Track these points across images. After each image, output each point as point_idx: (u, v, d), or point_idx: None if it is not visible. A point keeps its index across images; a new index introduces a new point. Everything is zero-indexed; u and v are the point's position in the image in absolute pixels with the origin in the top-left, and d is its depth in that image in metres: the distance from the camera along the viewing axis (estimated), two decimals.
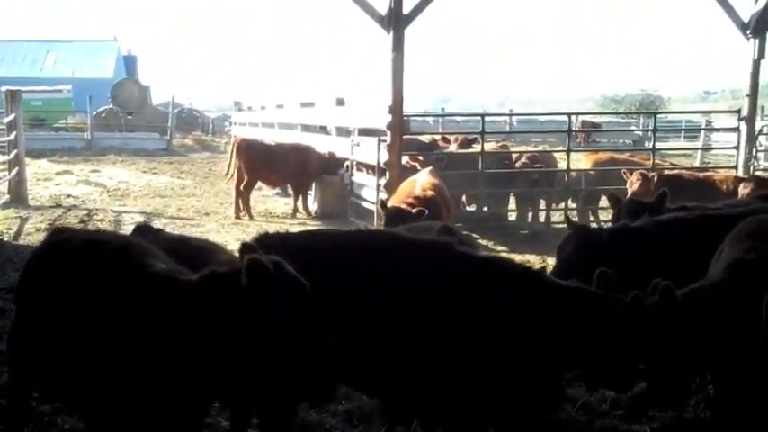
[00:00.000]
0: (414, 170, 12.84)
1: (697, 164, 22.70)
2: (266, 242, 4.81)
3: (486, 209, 15.84)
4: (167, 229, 13.88)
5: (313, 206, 17.14)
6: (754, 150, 15.98)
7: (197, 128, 45.18)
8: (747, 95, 15.68)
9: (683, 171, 14.90)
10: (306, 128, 20.58)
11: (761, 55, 15.10)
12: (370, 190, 14.69)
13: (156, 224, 14.85)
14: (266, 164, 16.98)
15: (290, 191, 18.02)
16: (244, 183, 16.72)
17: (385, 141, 13.71)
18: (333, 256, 4.79)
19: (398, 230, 6.40)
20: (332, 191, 16.78)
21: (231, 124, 31.79)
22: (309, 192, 17.51)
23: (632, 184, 12.36)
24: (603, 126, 31.83)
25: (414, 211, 8.93)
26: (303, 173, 16.95)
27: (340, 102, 19.20)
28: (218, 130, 43.44)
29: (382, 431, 5.23)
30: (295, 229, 9.79)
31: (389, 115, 13.27)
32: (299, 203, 17.15)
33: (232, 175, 17.19)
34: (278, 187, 19.60)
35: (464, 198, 15.55)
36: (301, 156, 17.16)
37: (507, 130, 27.36)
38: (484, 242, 13.09)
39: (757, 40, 14.97)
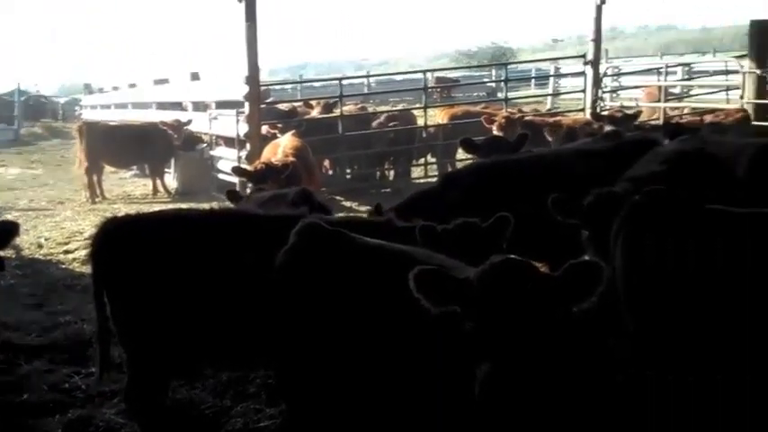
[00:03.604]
0: (274, 139, 12.78)
1: (548, 109, 23.53)
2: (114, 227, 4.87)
3: (348, 171, 15.98)
4: (19, 222, 13.46)
5: (173, 184, 16.77)
6: (599, 92, 16.65)
7: (46, 114, 43.13)
8: (592, 40, 16.31)
9: (535, 117, 15.37)
10: (161, 105, 20.06)
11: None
12: (231, 163, 14.51)
13: (8, 217, 14.27)
14: (108, 145, 16.49)
15: (148, 171, 17.57)
16: (87, 166, 16.28)
17: (243, 113, 13.55)
18: (183, 238, 4.80)
19: (254, 203, 6.47)
20: (191, 167, 16.47)
21: (82, 108, 30.58)
22: (168, 170, 17.10)
23: (500, 128, 12.57)
24: (456, 81, 32.42)
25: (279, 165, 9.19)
26: (153, 151, 16.52)
27: (195, 76, 18.84)
28: (68, 116, 41.54)
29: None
30: (155, 209, 9.61)
31: (246, 86, 13.10)
32: (158, 183, 16.77)
33: (80, 161, 16.64)
34: (129, 168, 19.07)
35: (327, 162, 15.61)
36: (148, 134, 16.71)
37: (366, 91, 27.43)
38: (348, 204, 13.21)
39: None
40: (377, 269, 3.76)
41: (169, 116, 17.94)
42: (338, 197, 13.69)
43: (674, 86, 21.27)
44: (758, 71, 13.94)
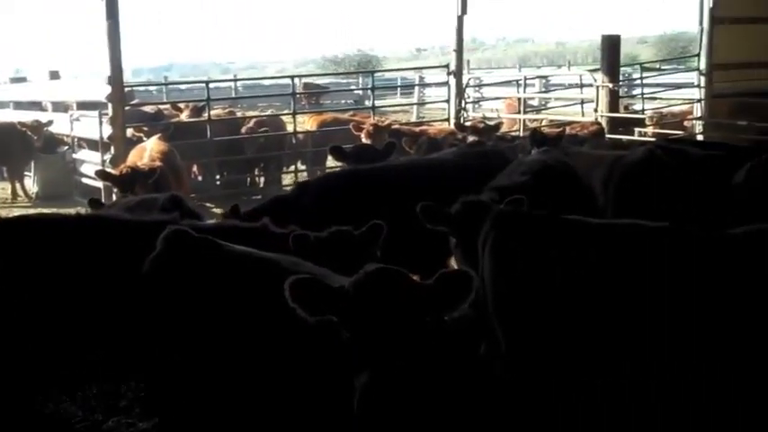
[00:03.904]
0: (140, 142, 12.53)
1: (413, 119, 23.97)
2: None
3: (218, 177, 15.83)
4: None
5: (33, 188, 16.13)
6: (463, 102, 17.08)
7: None
8: (455, 50, 16.74)
9: (402, 126, 15.65)
10: (18, 105, 19.23)
11: (464, 11, 16.17)
12: (94, 166, 14.09)
13: None
14: None
15: (6, 174, 16.83)
16: None
17: (106, 114, 13.19)
18: (47, 245, 4.74)
19: (120, 208, 6.37)
20: (53, 170, 15.91)
21: None
22: (28, 173, 16.43)
23: (368, 135, 12.75)
24: (325, 87, 32.52)
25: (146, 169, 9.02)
26: (11, 153, 15.86)
27: (54, 75, 18.19)
28: None
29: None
30: (15, 214, 9.28)
31: (109, 87, 12.74)
32: (18, 186, 16.07)
33: None
34: None
35: (195, 168, 15.41)
36: (5, 135, 15.94)
37: (233, 95, 27.08)
38: (218, 210, 13.05)
39: None
40: (244, 277, 3.80)
41: (28, 116, 17.20)
42: (208, 204, 13.54)
43: (533, 98, 22.17)
44: (610, 85, 14.72)
